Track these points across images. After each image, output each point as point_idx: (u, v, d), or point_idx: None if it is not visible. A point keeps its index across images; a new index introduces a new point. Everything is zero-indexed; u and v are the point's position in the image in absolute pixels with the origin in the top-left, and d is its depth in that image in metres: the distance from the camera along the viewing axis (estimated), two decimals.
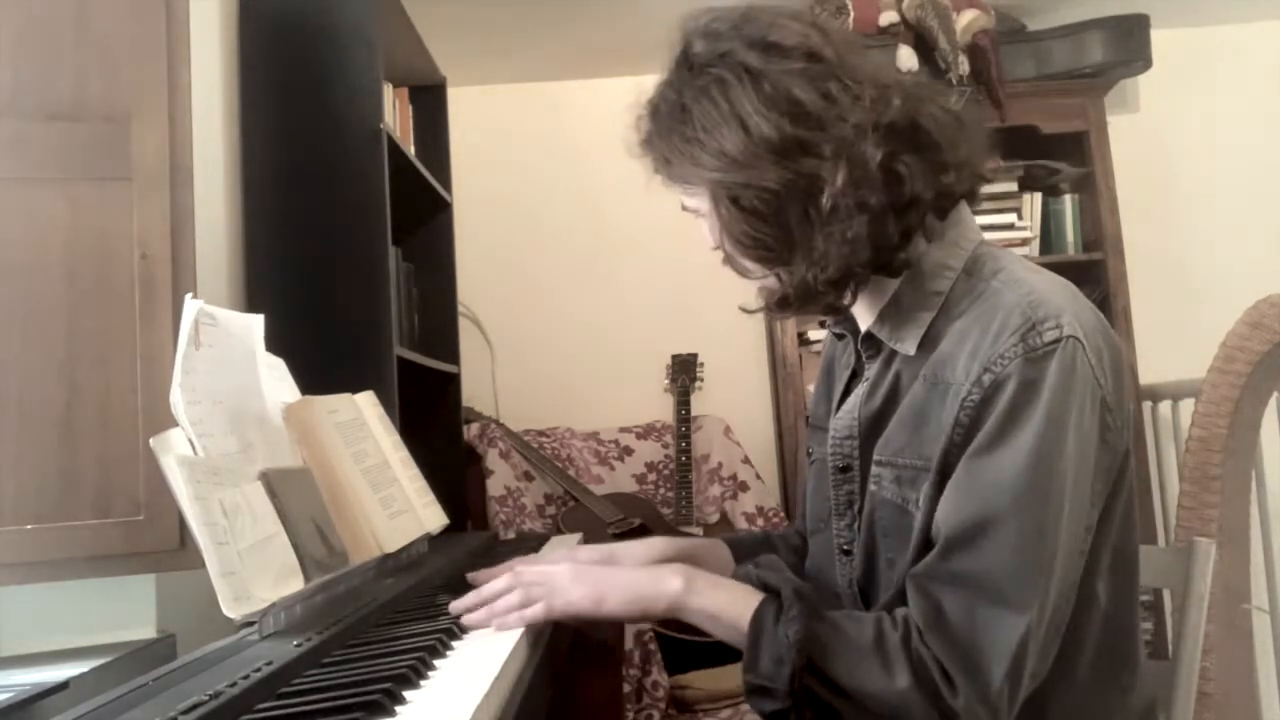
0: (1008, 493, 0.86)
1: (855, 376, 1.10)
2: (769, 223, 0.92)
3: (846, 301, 0.98)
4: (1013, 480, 0.86)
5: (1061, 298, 0.92)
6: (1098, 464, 0.92)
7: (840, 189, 0.89)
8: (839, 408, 1.09)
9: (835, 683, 0.88)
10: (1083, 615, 0.93)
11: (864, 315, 1.04)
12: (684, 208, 1.03)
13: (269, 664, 0.79)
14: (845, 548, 1.06)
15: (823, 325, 1.21)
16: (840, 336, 1.15)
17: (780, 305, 0.98)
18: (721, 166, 0.92)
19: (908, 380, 0.98)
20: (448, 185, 2.50)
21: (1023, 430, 0.86)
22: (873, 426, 1.01)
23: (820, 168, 0.90)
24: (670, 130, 0.96)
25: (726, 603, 0.95)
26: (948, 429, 0.91)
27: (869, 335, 1.03)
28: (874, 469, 1.00)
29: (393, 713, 0.69)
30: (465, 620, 0.98)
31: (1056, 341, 0.88)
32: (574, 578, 0.99)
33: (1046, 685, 0.91)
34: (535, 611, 0.96)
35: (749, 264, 0.98)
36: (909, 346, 0.97)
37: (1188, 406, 2.25)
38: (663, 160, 0.99)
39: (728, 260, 1.00)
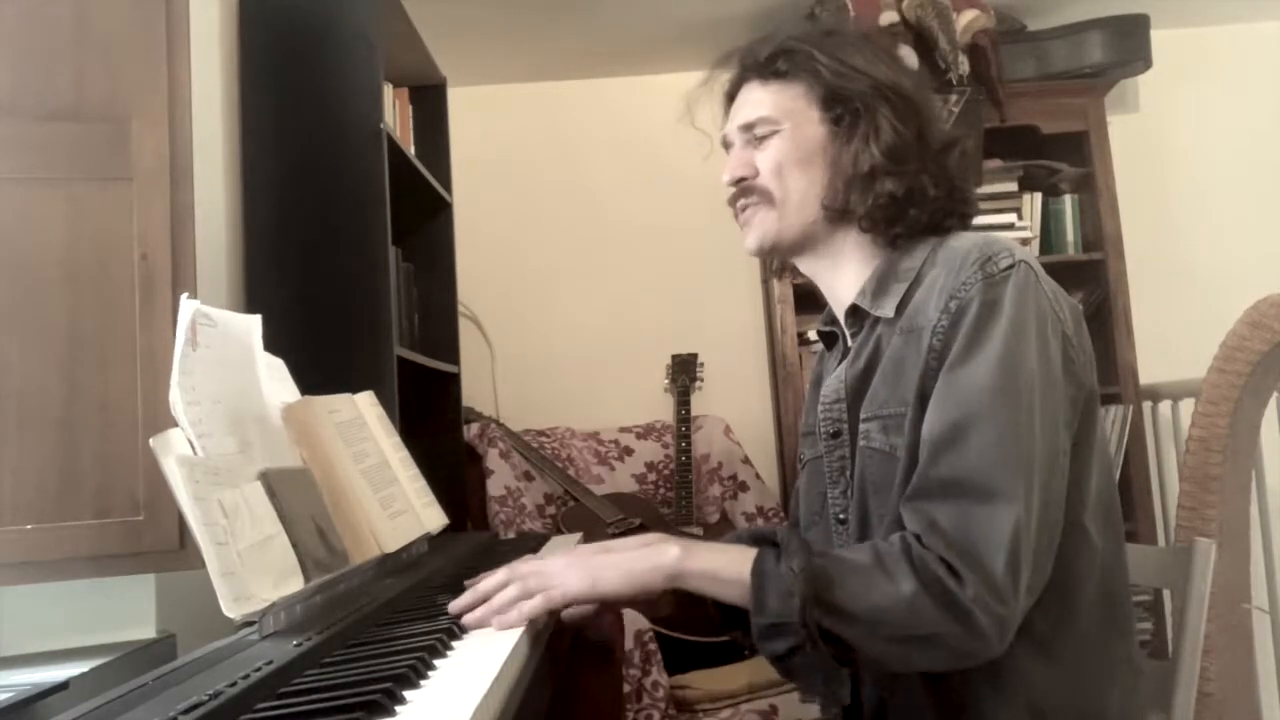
0: (983, 394, 0.94)
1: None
2: (904, 136, 1.08)
3: (902, 229, 1.09)
4: (986, 383, 0.95)
5: (1016, 246, 1.03)
6: (1064, 391, 0.98)
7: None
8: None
9: (843, 609, 0.91)
10: (1080, 556, 0.99)
11: (847, 297, 1.13)
12: (751, 127, 1.12)
13: (269, 664, 0.78)
14: (841, 516, 1.10)
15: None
16: (830, 343, 1.22)
17: (899, 202, 1.08)
18: (897, 81, 1.10)
19: (887, 339, 1.06)
20: (448, 185, 2.50)
21: (989, 341, 0.96)
22: (858, 387, 1.08)
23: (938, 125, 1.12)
24: (846, 43, 1.13)
25: (725, 560, 0.98)
26: (923, 360, 1.00)
27: (853, 308, 1.12)
28: (862, 426, 1.06)
29: (393, 713, 0.69)
30: (465, 620, 0.97)
31: (1011, 266, 0.99)
32: (567, 565, 1.00)
33: (1053, 629, 0.97)
34: (534, 604, 0.95)
35: (876, 164, 1.08)
36: (888, 309, 1.07)
37: (1188, 406, 2.25)
38: (815, 57, 1.11)
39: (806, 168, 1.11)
